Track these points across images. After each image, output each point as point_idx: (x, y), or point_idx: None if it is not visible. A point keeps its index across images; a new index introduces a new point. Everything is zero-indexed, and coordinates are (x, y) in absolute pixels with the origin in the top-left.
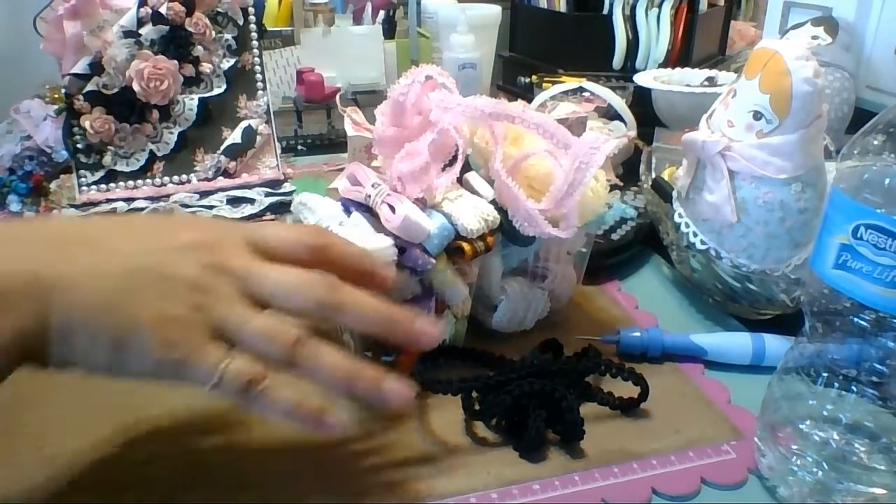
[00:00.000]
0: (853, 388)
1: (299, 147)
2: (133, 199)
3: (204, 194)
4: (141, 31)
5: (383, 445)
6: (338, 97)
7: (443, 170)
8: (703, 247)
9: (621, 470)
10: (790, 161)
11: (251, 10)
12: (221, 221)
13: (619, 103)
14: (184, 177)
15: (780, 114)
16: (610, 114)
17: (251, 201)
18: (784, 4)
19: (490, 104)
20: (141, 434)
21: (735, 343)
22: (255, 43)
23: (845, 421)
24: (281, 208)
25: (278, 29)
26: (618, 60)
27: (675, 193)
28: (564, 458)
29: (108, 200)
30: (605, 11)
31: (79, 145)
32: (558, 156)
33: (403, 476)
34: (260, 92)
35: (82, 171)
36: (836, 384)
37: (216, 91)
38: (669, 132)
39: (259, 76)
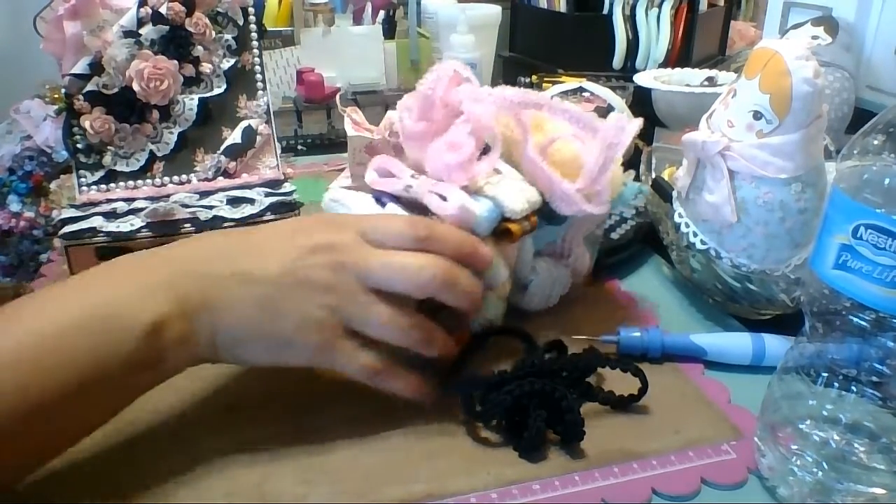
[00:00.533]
0: (853, 388)
1: (299, 147)
2: (133, 200)
3: (204, 194)
4: (141, 31)
5: (384, 445)
6: (338, 97)
7: (478, 158)
8: (703, 247)
9: (621, 470)
10: (790, 161)
11: (251, 10)
12: (338, 217)
13: (619, 103)
14: (184, 177)
15: (781, 114)
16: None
17: (251, 201)
18: (784, 4)
19: (518, 94)
20: (141, 434)
21: (735, 343)
22: (255, 43)
23: (845, 421)
24: (281, 208)
25: (278, 29)
26: (618, 60)
27: (675, 193)
28: (564, 458)
29: (109, 201)
30: (605, 11)
31: (79, 145)
32: (583, 139)
33: (404, 476)
34: (260, 92)
35: (82, 172)
36: (836, 384)
37: (216, 91)
38: (669, 132)
39: (259, 76)
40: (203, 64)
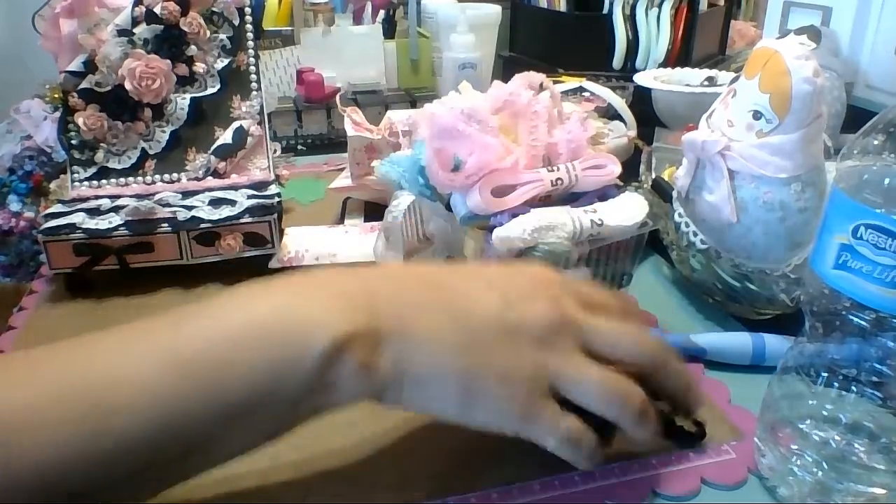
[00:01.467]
0: (853, 387)
1: (299, 147)
2: (119, 197)
3: (188, 194)
4: (135, 31)
5: (383, 445)
6: (338, 97)
7: None
8: (703, 246)
9: (621, 470)
10: (790, 160)
11: (247, 10)
12: (551, 275)
13: (619, 103)
14: (174, 176)
15: (780, 113)
16: (610, 114)
17: (232, 203)
18: (784, 4)
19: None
20: None
21: (735, 343)
22: (250, 43)
23: (845, 421)
24: (259, 211)
25: (278, 29)
26: (618, 60)
27: (675, 193)
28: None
29: (97, 197)
30: (605, 11)
31: (73, 142)
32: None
33: (404, 476)
34: (254, 93)
35: (75, 168)
36: (836, 384)
37: (209, 91)
38: (669, 132)
39: (254, 77)
40: (197, 63)
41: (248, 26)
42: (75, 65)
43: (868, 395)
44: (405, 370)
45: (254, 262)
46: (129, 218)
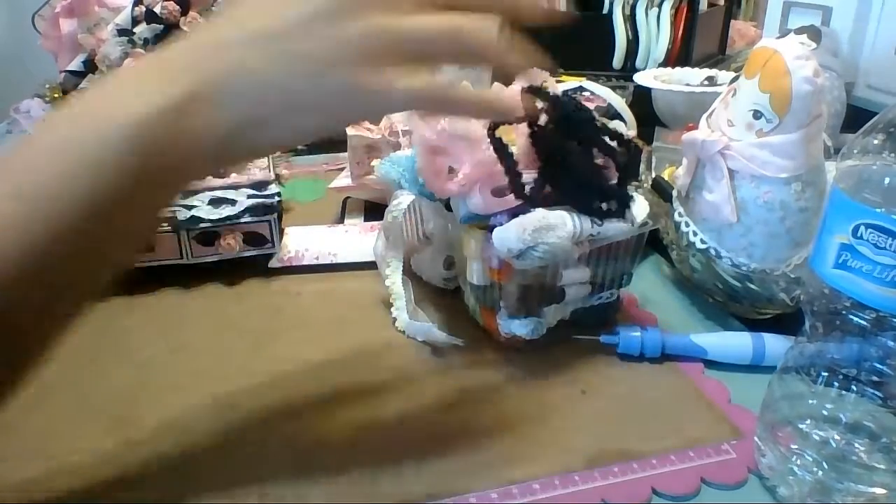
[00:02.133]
0: (853, 387)
1: (299, 147)
2: None
3: (187, 193)
4: (135, 30)
5: (384, 445)
6: None
7: None
8: (703, 246)
9: (621, 470)
10: (790, 160)
11: None
12: None
13: (619, 103)
14: None
15: (780, 113)
16: (610, 113)
17: (232, 202)
18: (784, 4)
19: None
20: (141, 434)
21: (735, 343)
22: None
23: (845, 420)
24: (258, 210)
25: None
26: (618, 60)
27: (675, 193)
28: (564, 458)
29: None
30: (605, 11)
31: None
32: None
33: (404, 476)
34: None
35: None
36: (836, 384)
37: None
38: (669, 132)
39: None
40: None
41: None
42: (75, 64)
43: (868, 394)
44: (238, 116)
45: (254, 262)
46: None
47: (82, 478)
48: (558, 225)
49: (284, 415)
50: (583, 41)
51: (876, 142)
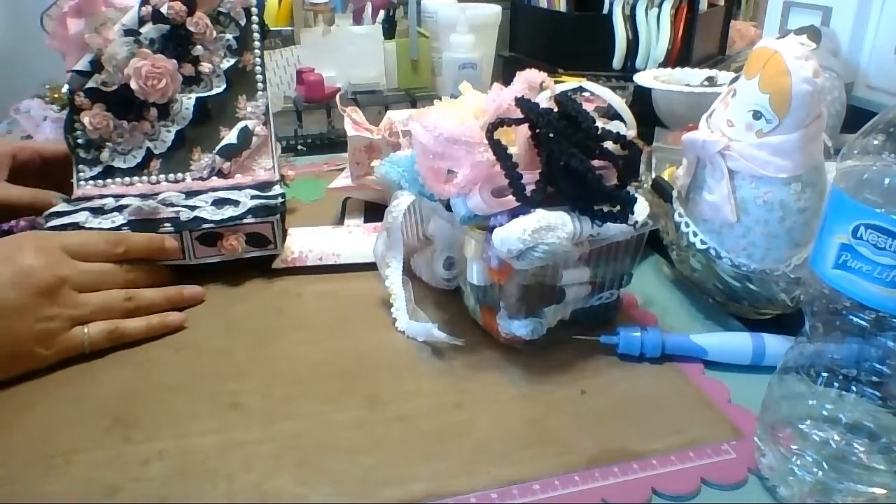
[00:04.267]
0: (853, 387)
1: (299, 147)
2: (124, 196)
3: (192, 194)
4: (141, 30)
5: (384, 445)
6: (338, 97)
7: None
8: (703, 246)
9: (621, 470)
10: (790, 160)
11: (254, 10)
12: (43, 236)
13: (619, 103)
14: (179, 175)
15: (780, 113)
16: (610, 114)
17: (235, 203)
18: (784, 4)
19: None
20: (141, 434)
21: (735, 343)
22: (256, 43)
23: (845, 421)
24: (262, 211)
25: (278, 29)
26: (618, 60)
27: (675, 193)
28: (564, 458)
29: (102, 196)
30: (605, 11)
31: (79, 140)
32: None
33: (404, 476)
34: (260, 93)
35: (81, 166)
36: (836, 384)
37: (215, 91)
38: (669, 132)
39: (259, 77)
40: (203, 63)
41: (255, 26)
42: (82, 64)
43: (868, 394)
44: None
45: (257, 263)
46: (133, 217)
47: (82, 478)
48: (558, 225)
49: (285, 415)
50: (583, 41)
51: (876, 142)
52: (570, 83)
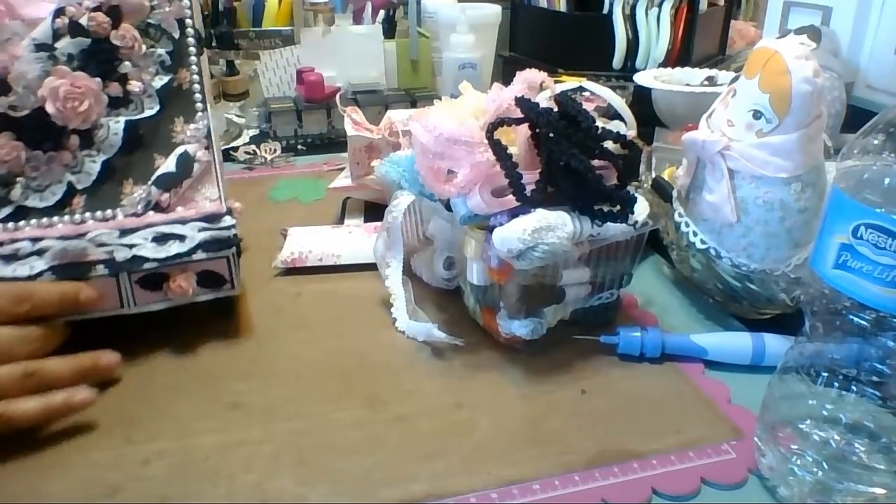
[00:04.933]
0: (853, 387)
1: (299, 147)
2: (42, 239)
3: (126, 232)
4: (57, 45)
5: (384, 445)
6: (338, 97)
7: None
8: (703, 246)
9: (621, 470)
10: (790, 160)
11: (189, 21)
12: None
13: (619, 103)
14: (108, 212)
15: (780, 113)
16: (610, 113)
17: (181, 238)
18: (784, 4)
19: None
20: (141, 434)
21: (735, 343)
22: (193, 58)
23: (845, 421)
24: (214, 245)
25: (278, 29)
26: (618, 60)
27: (675, 193)
28: (564, 458)
29: (14, 241)
30: (605, 11)
31: None
32: None
33: (403, 476)
34: (199, 113)
35: None
36: (836, 384)
37: (147, 113)
38: (669, 132)
39: (198, 95)
40: (131, 82)
41: (190, 39)
42: None
43: (868, 394)
44: None
45: (210, 308)
46: (56, 262)
47: (82, 478)
48: (558, 225)
49: (284, 415)
50: (583, 41)
51: (876, 142)
52: (570, 83)
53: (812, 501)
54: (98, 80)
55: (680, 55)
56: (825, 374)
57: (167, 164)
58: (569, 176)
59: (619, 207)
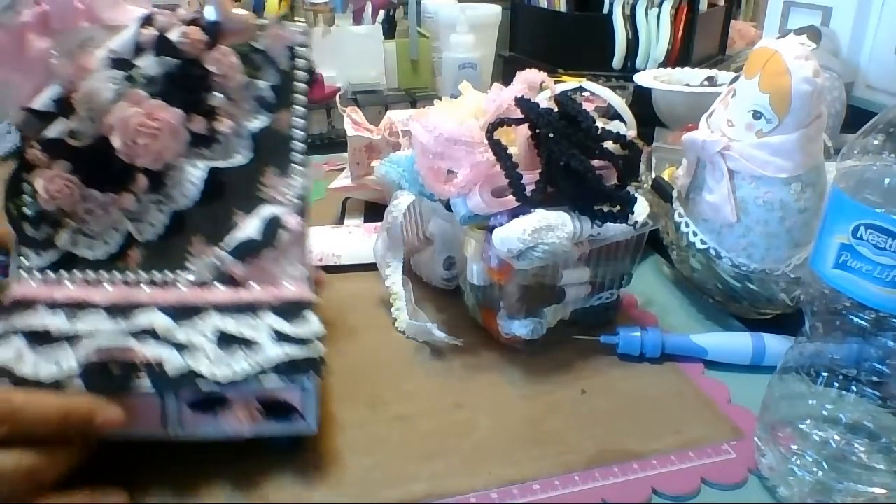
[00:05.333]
0: (853, 387)
1: None
2: (83, 307)
3: (185, 313)
4: (137, 62)
5: (383, 445)
6: (338, 97)
7: None
8: (703, 246)
9: (621, 470)
10: (790, 160)
11: (302, 49)
12: None
13: (619, 103)
14: (168, 275)
15: (780, 113)
16: (610, 114)
17: (249, 346)
18: (784, 4)
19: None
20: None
21: (735, 343)
22: (300, 97)
23: (845, 421)
24: (291, 371)
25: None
26: (618, 60)
27: (675, 193)
28: (564, 458)
29: (52, 304)
30: (605, 11)
31: (26, 211)
32: None
33: (403, 476)
34: (297, 168)
35: (25, 250)
36: (836, 384)
37: (235, 160)
38: (669, 132)
39: (299, 145)
40: (221, 119)
41: (301, 73)
42: (42, 101)
43: (868, 394)
44: None
45: (272, 443)
46: (91, 361)
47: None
48: (558, 225)
49: None
50: (583, 41)
51: (876, 142)
52: (570, 83)
53: (812, 501)
54: (180, 112)
55: (680, 55)
56: (825, 374)
57: (249, 228)
58: (569, 176)
59: (619, 207)
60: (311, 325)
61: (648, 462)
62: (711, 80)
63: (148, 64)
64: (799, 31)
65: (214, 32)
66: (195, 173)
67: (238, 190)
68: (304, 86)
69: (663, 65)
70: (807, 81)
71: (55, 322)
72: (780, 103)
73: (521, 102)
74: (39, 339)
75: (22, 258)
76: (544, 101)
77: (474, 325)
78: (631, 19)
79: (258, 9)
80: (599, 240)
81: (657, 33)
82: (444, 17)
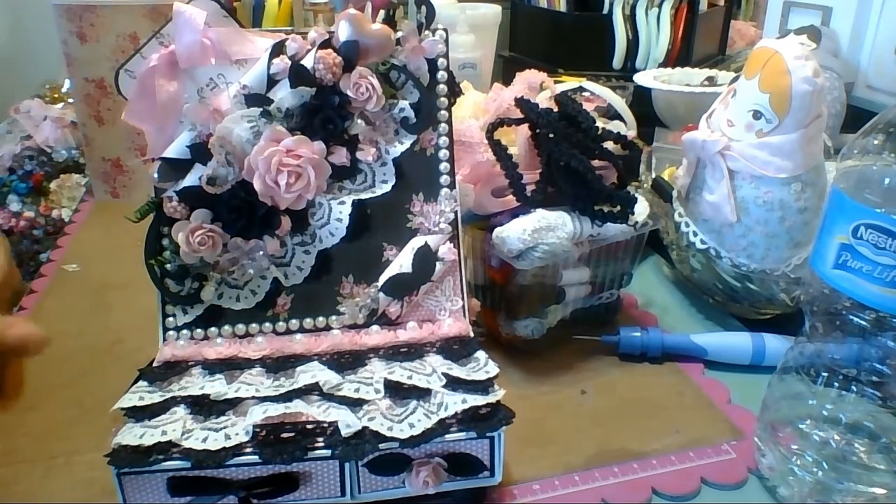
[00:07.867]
0: (853, 387)
1: None
2: (240, 366)
3: (349, 364)
4: (272, 96)
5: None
6: None
7: None
8: (703, 246)
9: (621, 470)
10: (790, 160)
11: (442, 61)
12: None
13: (619, 103)
14: (320, 320)
15: (780, 113)
16: (610, 114)
17: (423, 396)
18: (784, 4)
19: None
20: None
21: (735, 343)
22: (443, 113)
23: (845, 421)
24: (478, 424)
25: (278, 29)
26: (618, 60)
27: (675, 193)
28: (564, 458)
29: (205, 363)
30: (605, 11)
31: (168, 268)
32: None
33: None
34: (445, 191)
35: (171, 308)
36: (836, 384)
37: (380, 190)
38: (669, 132)
39: (445, 165)
40: (364, 147)
41: (442, 87)
42: (176, 149)
43: (868, 394)
44: None
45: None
46: (259, 429)
47: (83, 478)
48: (558, 225)
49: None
50: (583, 41)
51: (876, 142)
52: (570, 83)
53: (812, 501)
54: (321, 144)
55: (680, 55)
56: (825, 374)
57: (401, 262)
58: (569, 176)
59: (619, 207)
60: (483, 366)
61: (648, 462)
62: (711, 80)
63: (283, 97)
64: (799, 31)
65: (351, 53)
66: (340, 209)
67: (385, 222)
68: (446, 101)
69: (663, 65)
70: (807, 81)
71: (214, 386)
72: (780, 103)
73: (521, 103)
74: (200, 406)
75: (169, 318)
76: (544, 101)
77: (474, 325)
78: (631, 19)
79: (258, 9)
80: (599, 240)
81: (657, 33)
82: (444, 17)
